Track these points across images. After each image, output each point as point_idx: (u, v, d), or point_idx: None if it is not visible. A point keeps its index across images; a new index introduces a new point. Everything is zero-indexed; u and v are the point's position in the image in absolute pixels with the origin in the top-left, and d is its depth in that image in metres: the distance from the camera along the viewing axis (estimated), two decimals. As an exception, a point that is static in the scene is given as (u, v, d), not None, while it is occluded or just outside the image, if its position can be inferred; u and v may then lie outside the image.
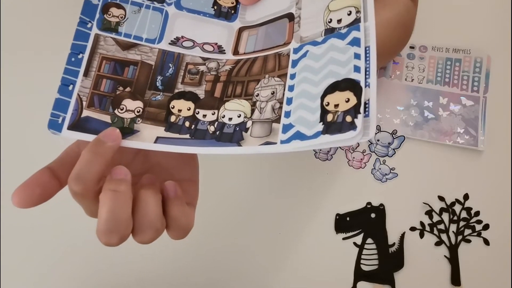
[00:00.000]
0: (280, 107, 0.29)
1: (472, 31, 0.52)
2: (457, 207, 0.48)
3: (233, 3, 0.36)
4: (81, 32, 0.32)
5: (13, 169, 0.51)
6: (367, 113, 0.25)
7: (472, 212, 0.48)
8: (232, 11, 0.36)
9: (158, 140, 0.31)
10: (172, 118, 0.32)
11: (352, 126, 0.25)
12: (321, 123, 0.26)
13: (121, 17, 0.34)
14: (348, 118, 0.25)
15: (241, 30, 0.36)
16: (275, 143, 0.28)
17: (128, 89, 0.32)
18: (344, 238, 0.48)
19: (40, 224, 0.50)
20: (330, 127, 0.26)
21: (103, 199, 0.26)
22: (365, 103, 0.25)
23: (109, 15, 0.33)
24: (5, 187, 0.51)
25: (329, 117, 0.26)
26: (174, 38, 0.34)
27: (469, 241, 0.47)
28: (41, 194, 0.28)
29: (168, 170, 0.33)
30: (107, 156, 0.28)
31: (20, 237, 0.50)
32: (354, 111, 0.25)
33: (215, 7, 0.36)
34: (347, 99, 0.25)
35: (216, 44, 0.35)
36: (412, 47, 0.52)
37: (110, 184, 0.27)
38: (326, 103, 0.27)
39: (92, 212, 0.29)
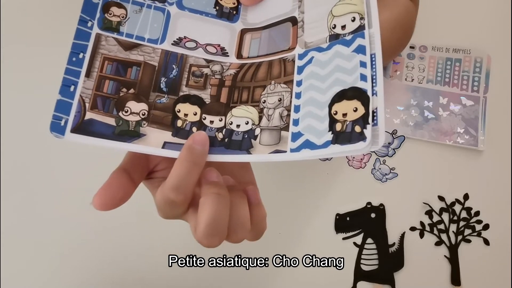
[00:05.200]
0: (288, 115, 0.29)
1: (472, 31, 0.52)
2: (457, 207, 0.48)
3: (234, 3, 0.36)
4: (82, 31, 0.31)
5: (13, 169, 0.51)
6: (375, 121, 0.24)
7: (472, 212, 0.48)
8: (234, 12, 0.36)
9: (166, 145, 0.30)
10: (179, 123, 0.31)
11: (361, 136, 0.24)
12: (330, 132, 0.26)
13: (122, 17, 0.33)
14: (357, 128, 0.25)
15: (243, 32, 0.35)
16: (285, 152, 0.28)
17: (131, 90, 0.32)
18: (344, 238, 0.48)
19: (41, 224, 0.49)
20: (340, 137, 0.25)
21: (207, 202, 0.26)
22: (373, 112, 0.25)
23: (110, 14, 0.32)
24: (5, 187, 0.51)
25: (338, 127, 0.26)
26: (177, 39, 0.34)
27: (469, 241, 0.47)
28: (122, 196, 0.28)
29: (233, 173, 0.33)
30: (202, 164, 0.28)
31: (20, 237, 0.49)
32: (362, 121, 0.25)
33: (217, 8, 0.35)
34: (355, 108, 0.25)
35: (219, 45, 0.34)
36: (412, 47, 0.52)
37: (213, 187, 0.27)
38: (334, 112, 0.26)
39: (170, 215, 0.28)
